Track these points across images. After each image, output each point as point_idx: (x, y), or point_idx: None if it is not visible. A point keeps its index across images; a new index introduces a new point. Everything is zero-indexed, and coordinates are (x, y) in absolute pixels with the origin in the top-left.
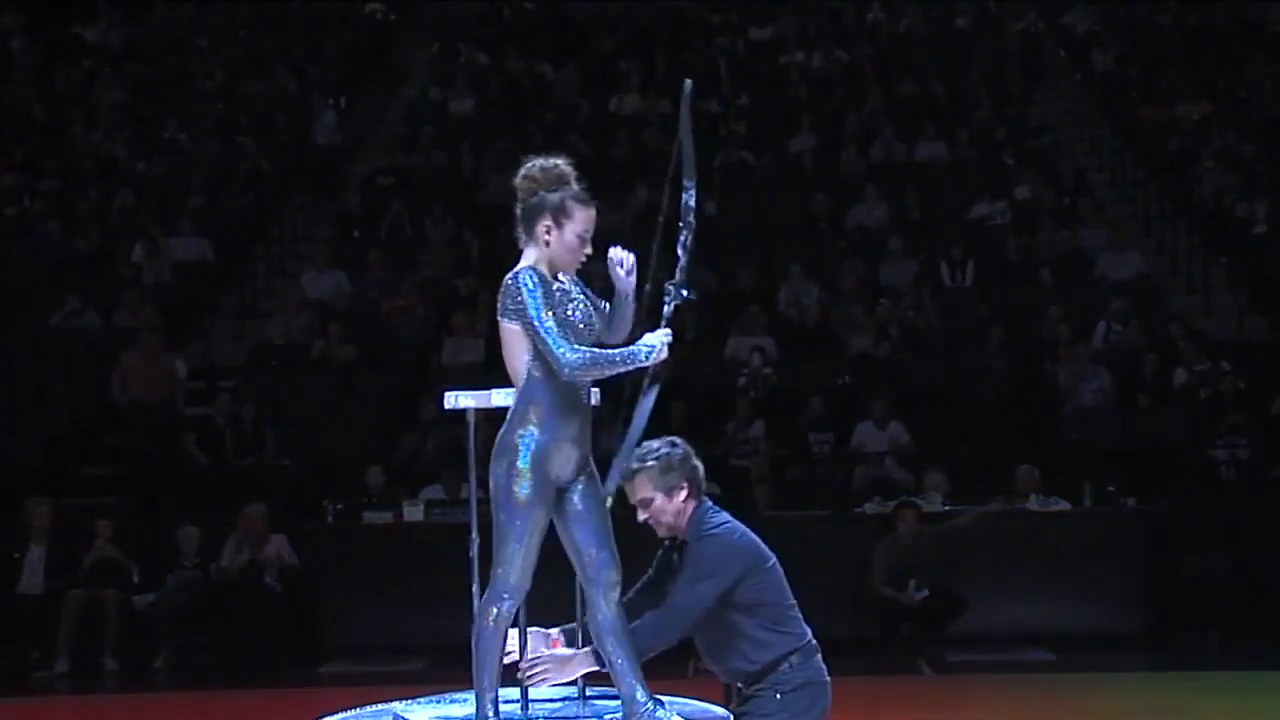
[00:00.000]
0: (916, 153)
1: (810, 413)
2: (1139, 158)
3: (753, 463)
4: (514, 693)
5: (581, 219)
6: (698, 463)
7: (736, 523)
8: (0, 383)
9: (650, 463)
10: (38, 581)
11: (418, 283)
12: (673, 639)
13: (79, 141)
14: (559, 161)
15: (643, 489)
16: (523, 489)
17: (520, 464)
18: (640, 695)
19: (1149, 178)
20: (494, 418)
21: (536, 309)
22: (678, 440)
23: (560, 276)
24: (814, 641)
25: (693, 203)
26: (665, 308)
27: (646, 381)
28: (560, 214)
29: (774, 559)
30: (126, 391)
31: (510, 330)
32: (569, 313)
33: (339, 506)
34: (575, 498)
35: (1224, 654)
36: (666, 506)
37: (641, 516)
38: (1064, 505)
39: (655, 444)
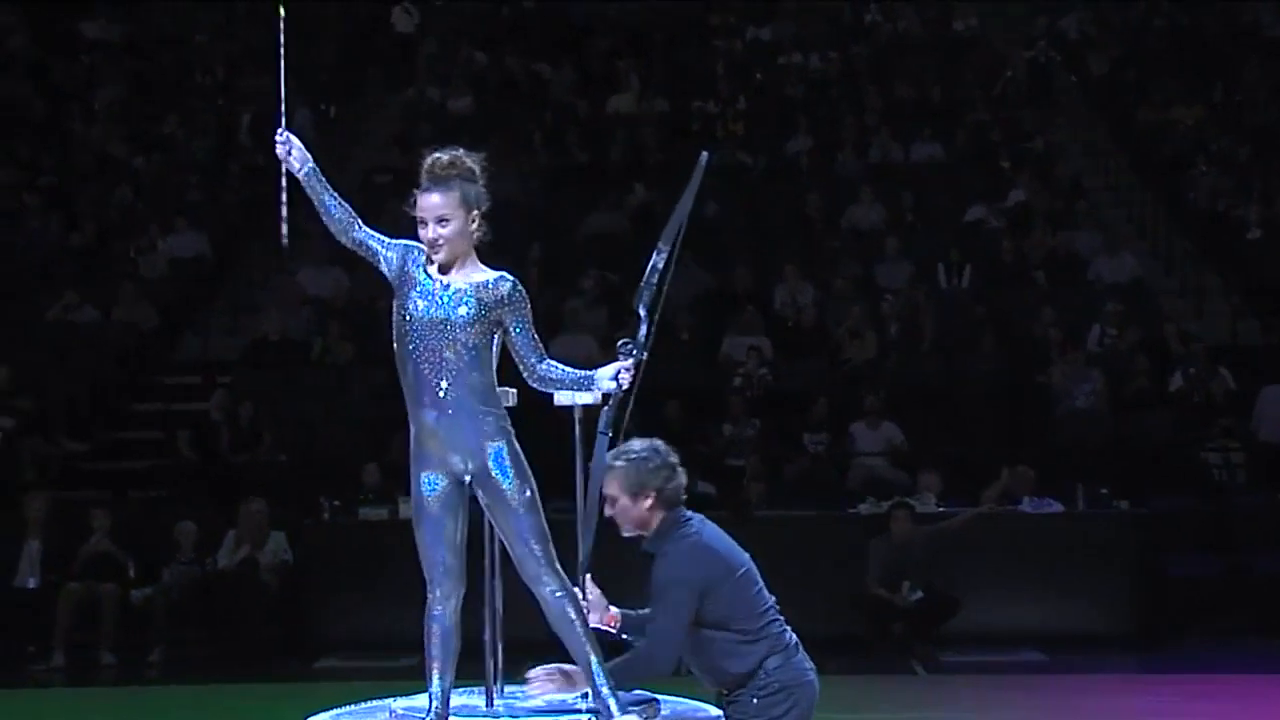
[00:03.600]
0: (912, 154)
1: (805, 413)
2: (1134, 161)
3: (748, 462)
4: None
5: (418, 207)
6: (675, 474)
7: (705, 531)
8: None
9: (621, 463)
10: (34, 575)
11: None
12: (660, 660)
13: (77, 137)
14: (433, 154)
15: (610, 486)
16: (413, 484)
17: (411, 460)
18: (600, 679)
19: (1144, 181)
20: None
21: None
22: (661, 447)
23: (440, 267)
24: (794, 640)
25: (660, 265)
26: (620, 360)
27: (600, 434)
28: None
29: (745, 565)
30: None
31: None
32: (406, 302)
33: (335, 503)
34: (481, 493)
35: (1215, 656)
36: (630, 509)
37: (608, 511)
38: (1057, 507)
39: (637, 445)
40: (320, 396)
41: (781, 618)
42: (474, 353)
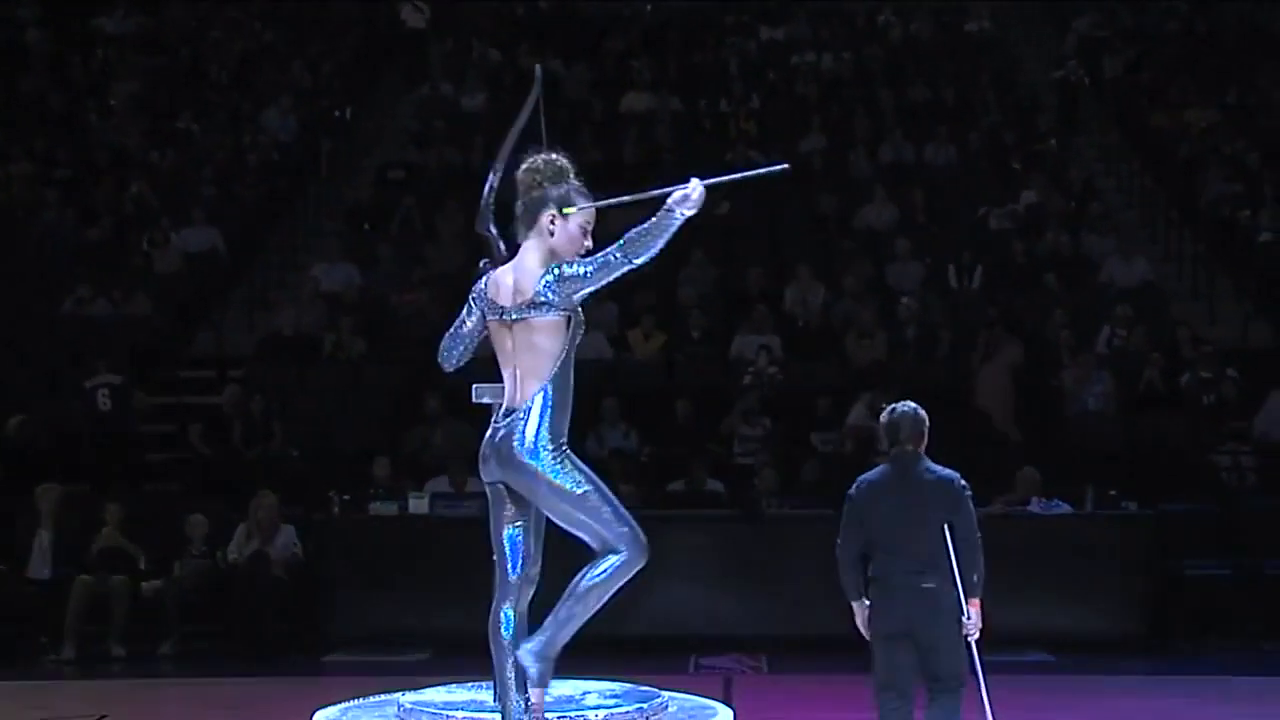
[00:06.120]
0: (925, 155)
1: (815, 412)
2: (1147, 164)
3: (757, 461)
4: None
5: (585, 211)
6: (888, 428)
7: (874, 474)
8: (13, 369)
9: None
10: (46, 567)
11: (427, 277)
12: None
13: (94, 131)
14: (559, 156)
15: None
16: (569, 470)
17: (562, 450)
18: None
19: (1157, 184)
20: None
21: (593, 271)
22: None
23: None
24: (891, 580)
25: (495, 184)
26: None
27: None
28: (565, 205)
29: (870, 516)
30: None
31: (546, 323)
32: (578, 321)
33: (345, 498)
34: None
35: (1224, 659)
36: None
37: None
38: (1066, 508)
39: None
40: (332, 391)
41: (885, 558)
42: None
